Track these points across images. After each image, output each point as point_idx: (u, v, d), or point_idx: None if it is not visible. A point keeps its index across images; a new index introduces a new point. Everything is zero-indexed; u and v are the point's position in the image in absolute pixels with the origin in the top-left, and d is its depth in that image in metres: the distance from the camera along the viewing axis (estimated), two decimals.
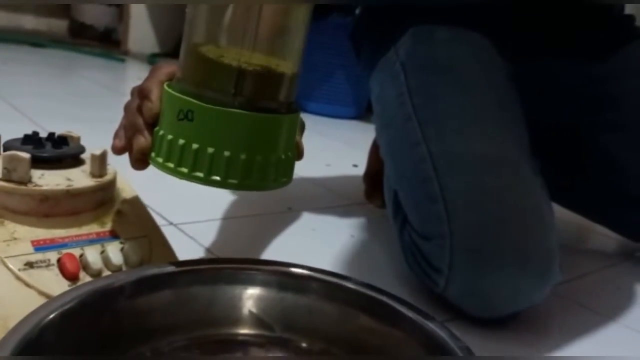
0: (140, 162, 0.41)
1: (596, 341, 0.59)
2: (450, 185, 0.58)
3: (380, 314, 0.41)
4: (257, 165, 0.38)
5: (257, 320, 0.42)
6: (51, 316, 0.33)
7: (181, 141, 0.38)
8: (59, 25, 2.63)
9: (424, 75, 0.67)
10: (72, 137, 0.49)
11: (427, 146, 0.61)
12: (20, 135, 0.47)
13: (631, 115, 0.76)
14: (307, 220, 0.82)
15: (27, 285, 0.39)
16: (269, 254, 0.68)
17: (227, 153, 0.37)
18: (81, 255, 0.42)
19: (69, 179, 0.44)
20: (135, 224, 0.48)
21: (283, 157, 0.40)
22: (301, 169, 0.43)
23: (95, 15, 2.51)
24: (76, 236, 0.43)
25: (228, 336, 0.41)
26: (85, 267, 0.42)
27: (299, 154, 0.43)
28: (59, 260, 0.41)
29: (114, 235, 0.45)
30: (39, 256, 0.41)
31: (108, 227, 0.46)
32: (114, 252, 0.44)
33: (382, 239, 0.79)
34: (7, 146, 0.45)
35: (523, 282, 0.54)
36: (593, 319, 0.64)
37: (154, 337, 0.39)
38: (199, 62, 0.38)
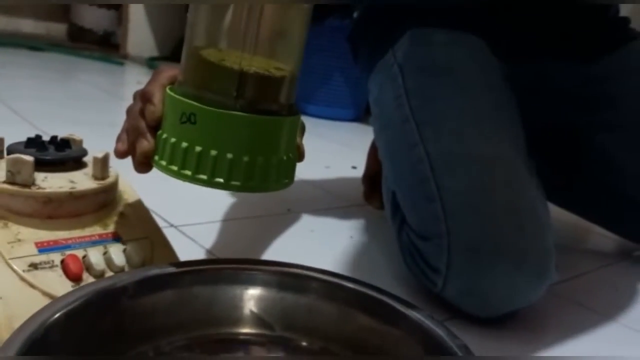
0: (143, 165, 0.41)
1: (593, 339, 0.60)
2: (447, 186, 0.58)
3: (379, 313, 0.42)
4: (259, 166, 0.39)
5: (258, 319, 0.43)
6: (56, 316, 0.34)
7: (184, 144, 0.38)
8: (58, 29, 2.64)
9: (421, 77, 0.67)
10: (74, 140, 0.50)
11: (425, 147, 0.62)
12: (21, 138, 0.48)
13: (627, 115, 0.77)
14: (307, 222, 0.83)
15: (32, 286, 0.40)
16: (268, 255, 0.68)
17: (229, 155, 0.38)
18: (84, 257, 0.43)
19: (71, 182, 0.45)
20: (137, 225, 0.48)
21: (285, 158, 0.40)
22: (300, 171, 0.43)
23: (94, 19, 2.52)
24: (79, 238, 0.44)
25: (229, 335, 0.42)
26: (89, 268, 0.43)
27: (300, 155, 0.43)
28: (62, 262, 0.42)
29: (116, 236, 0.46)
30: (42, 257, 0.41)
31: (110, 228, 0.46)
32: (117, 253, 0.44)
33: (381, 240, 0.80)
34: (11, 149, 0.45)
35: (520, 281, 0.55)
36: (590, 318, 0.65)
37: (156, 337, 0.40)
38: (200, 66, 0.38)
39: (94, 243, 0.44)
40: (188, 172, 0.38)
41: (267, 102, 0.39)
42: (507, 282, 0.55)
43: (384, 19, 0.78)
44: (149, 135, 0.41)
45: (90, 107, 1.43)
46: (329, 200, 0.96)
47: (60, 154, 0.47)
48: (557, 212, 0.83)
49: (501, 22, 0.73)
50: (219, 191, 0.40)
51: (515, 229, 0.56)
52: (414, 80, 0.67)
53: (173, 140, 0.39)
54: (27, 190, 0.42)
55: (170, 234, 0.51)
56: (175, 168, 0.39)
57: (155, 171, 0.42)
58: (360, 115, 1.80)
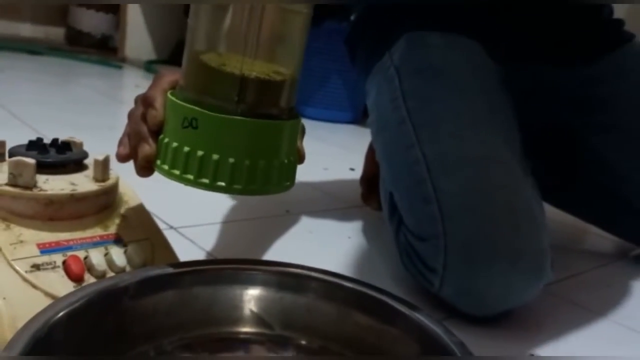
0: (145, 169, 0.42)
1: (587, 337, 0.61)
2: (443, 187, 0.59)
3: (376, 312, 0.42)
4: (261, 170, 0.39)
5: (258, 319, 0.43)
6: (59, 315, 0.34)
7: (186, 148, 0.39)
8: (56, 33, 2.64)
9: (417, 79, 0.68)
10: (75, 142, 0.51)
11: (421, 149, 0.62)
12: (21, 142, 0.48)
13: (622, 117, 0.78)
14: (305, 223, 0.84)
15: (34, 286, 0.40)
16: (267, 256, 0.69)
17: (231, 159, 0.38)
18: (85, 258, 0.44)
19: (73, 184, 0.46)
20: (138, 227, 0.49)
21: (285, 161, 0.41)
22: (299, 173, 0.44)
23: (92, 22, 2.53)
24: (80, 239, 0.45)
25: (229, 335, 0.43)
26: (90, 268, 0.43)
27: (300, 157, 0.44)
28: (64, 262, 0.42)
29: (117, 238, 0.47)
30: (44, 258, 0.42)
31: (111, 230, 0.47)
32: (118, 254, 0.45)
33: (379, 241, 0.81)
34: (13, 152, 0.46)
35: (515, 280, 0.55)
36: (585, 316, 0.65)
37: (157, 336, 0.40)
38: (201, 71, 0.39)
39: (95, 244, 0.45)
40: (190, 176, 0.39)
41: (268, 107, 0.39)
42: (503, 282, 0.56)
43: (381, 22, 0.79)
44: (150, 140, 0.41)
45: (89, 110, 1.44)
46: (327, 201, 0.97)
47: (61, 156, 0.47)
48: (554, 213, 0.84)
49: (497, 25, 0.74)
50: (219, 193, 0.40)
51: (511, 229, 0.56)
52: (411, 82, 0.68)
53: (175, 144, 0.39)
54: (28, 192, 0.43)
55: (170, 236, 0.52)
56: (177, 172, 0.39)
57: (154, 174, 0.42)
58: (358, 117, 1.81)
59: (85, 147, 0.51)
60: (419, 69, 0.69)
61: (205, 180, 0.39)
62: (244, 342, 0.43)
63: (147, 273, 0.41)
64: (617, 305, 0.70)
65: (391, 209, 0.68)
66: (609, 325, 0.64)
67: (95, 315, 0.37)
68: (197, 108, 0.38)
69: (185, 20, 0.41)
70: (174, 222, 0.74)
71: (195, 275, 0.43)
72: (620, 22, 0.83)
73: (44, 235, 0.43)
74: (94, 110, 1.45)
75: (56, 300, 0.37)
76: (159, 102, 0.41)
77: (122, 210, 0.49)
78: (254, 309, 0.44)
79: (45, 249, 0.42)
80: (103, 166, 0.47)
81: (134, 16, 2.37)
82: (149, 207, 0.52)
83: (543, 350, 0.56)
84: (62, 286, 0.41)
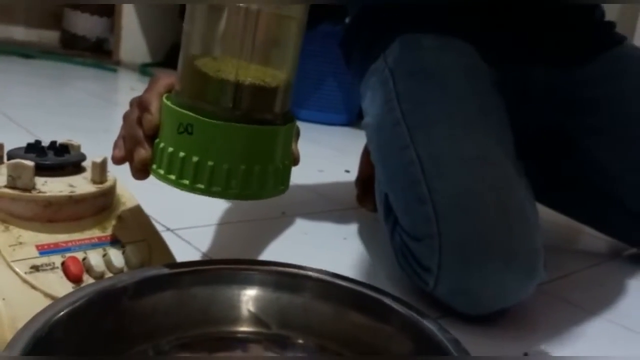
0: (141, 172, 0.42)
1: (580, 335, 0.62)
2: (438, 188, 0.60)
3: (371, 311, 0.43)
4: (256, 175, 0.40)
5: (255, 318, 0.44)
6: (59, 315, 0.35)
7: (182, 154, 0.39)
8: (50, 36, 2.64)
9: (411, 81, 0.69)
10: (72, 145, 0.51)
11: (416, 150, 0.63)
12: (18, 145, 0.49)
13: (614, 118, 0.78)
14: (301, 225, 0.84)
15: (33, 287, 0.41)
16: (263, 258, 0.69)
17: (226, 165, 0.39)
18: (84, 259, 0.44)
19: (71, 186, 0.46)
20: (135, 228, 0.49)
21: (280, 166, 0.41)
22: (295, 175, 0.45)
23: (86, 26, 2.53)
24: (79, 240, 0.45)
25: (227, 334, 0.43)
26: (89, 269, 0.44)
27: (295, 160, 0.44)
28: (63, 264, 0.43)
29: (115, 239, 0.47)
30: (43, 260, 0.42)
31: (109, 231, 0.47)
32: (116, 255, 0.45)
33: (374, 242, 0.81)
34: (11, 155, 0.46)
35: (509, 279, 0.56)
36: (578, 315, 0.66)
37: (156, 336, 0.41)
38: (197, 77, 0.39)
39: (93, 245, 0.45)
40: (186, 182, 0.39)
41: (263, 112, 0.40)
42: (497, 281, 0.56)
43: (376, 24, 0.79)
44: (146, 144, 0.42)
45: (85, 113, 1.44)
46: (323, 203, 0.97)
47: (59, 158, 0.48)
48: (547, 213, 0.85)
49: (490, 28, 0.74)
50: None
51: (504, 229, 0.57)
52: (405, 84, 0.69)
53: (170, 149, 0.40)
54: (27, 194, 0.43)
55: (166, 238, 0.52)
56: (173, 177, 0.40)
57: (150, 177, 0.43)
58: (353, 120, 1.82)
59: (82, 150, 0.52)
60: (413, 71, 0.70)
61: (201, 186, 0.39)
62: (242, 341, 0.43)
63: (146, 273, 0.42)
64: (609, 303, 0.71)
65: (386, 210, 0.69)
66: (602, 323, 0.65)
67: (95, 315, 0.38)
68: (192, 114, 0.39)
69: (180, 23, 0.41)
70: (171, 224, 0.74)
71: (194, 275, 0.44)
72: (611, 25, 0.84)
73: (43, 237, 0.43)
74: (89, 113, 1.45)
75: (56, 300, 0.37)
76: (154, 106, 0.41)
77: (120, 211, 0.49)
78: (252, 308, 0.44)
79: (44, 250, 0.43)
80: (101, 168, 0.48)
81: (129, 19, 2.37)
82: (145, 209, 0.52)
83: (537, 349, 0.57)
84: (61, 287, 0.41)
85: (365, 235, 0.84)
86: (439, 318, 0.59)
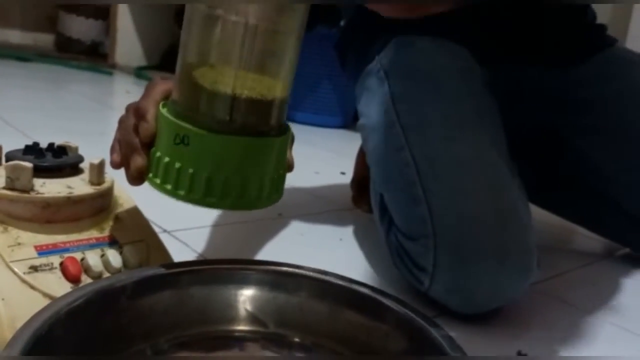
0: (137, 179, 0.43)
1: (574, 333, 0.62)
2: (433, 188, 0.60)
3: (366, 309, 0.44)
4: (251, 186, 0.40)
5: (252, 317, 0.44)
6: (59, 314, 0.35)
7: (177, 164, 0.40)
8: (45, 39, 2.64)
9: (406, 82, 0.69)
10: (70, 147, 0.51)
11: (411, 151, 0.64)
12: (14, 147, 0.49)
13: (607, 119, 0.79)
14: (297, 226, 0.85)
15: (32, 287, 0.41)
16: (259, 259, 0.70)
17: (222, 177, 0.39)
18: (82, 259, 0.44)
19: (69, 187, 0.46)
20: (133, 229, 0.50)
21: (276, 176, 0.42)
22: (291, 178, 0.45)
23: (82, 29, 2.53)
24: (77, 241, 0.45)
25: (225, 333, 0.44)
26: (87, 270, 0.44)
27: (289, 167, 0.45)
28: (61, 264, 0.43)
29: (112, 239, 0.47)
30: (42, 260, 0.43)
31: (107, 232, 0.48)
32: (114, 255, 0.46)
33: (370, 243, 0.82)
34: (10, 156, 0.47)
35: (503, 278, 0.57)
36: (572, 313, 0.67)
37: (154, 335, 0.41)
38: (194, 89, 0.39)
39: (91, 246, 0.46)
40: (181, 192, 0.40)
41: (259, 124, 0.40)
42: (491, 280, 0.57)
43: (370, 26, 0.80)
44: (142, 152, 0.42)
45: (81, 116, 1.44)
46: (319, 205, 0.98)
47: (57, 160, 0.48)
48: (541, 214, 0.86)
49: (484, 29, 0.75)
50: None
51: (497, 229, 0.58)
52: (400, 85, 0.69)
53: (167, 159, 0.40)
54: (26, 195, 0.44)
55: (163, 240, 0.52)
56: (169, 187, 0.40)
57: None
58: (348, 122, 1.82)
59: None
60: (407, 73, 0.71)
61: (196, 196, 0.40)
62: (239, 340, 0.44)
63: (144, 273, 0.42)
64: (602, 302, 0.71)
65: (382, 211, 0.69)
66: (595, 321, 0.66)
67: (94, 314, 0.38)
68: (188, 126, 0.39)
69: (176, 26, 0.42)
70: (168, 225, 0.74)
71: (191, 275, 0.44)
72: (603, 27, 0.85)
73: (41, 238, 0.44)
74: (85, 117, 1.46)
75: (55, 299, 0.38)
76: (150, 114, 0.42)
77: (118, 212, 0.50)
78: (249, 307, 0.45)
79: (43, 250, 0.43)
80: (98, 170, 0.48)
81: (124, 22, 2.38)
82: (142, 211, 0.53)
83: (531, 347, 0.57)
84: (60, 287, 0.42)
85: (360, 236, 0.84)
86: (434, 317, 0.60)
